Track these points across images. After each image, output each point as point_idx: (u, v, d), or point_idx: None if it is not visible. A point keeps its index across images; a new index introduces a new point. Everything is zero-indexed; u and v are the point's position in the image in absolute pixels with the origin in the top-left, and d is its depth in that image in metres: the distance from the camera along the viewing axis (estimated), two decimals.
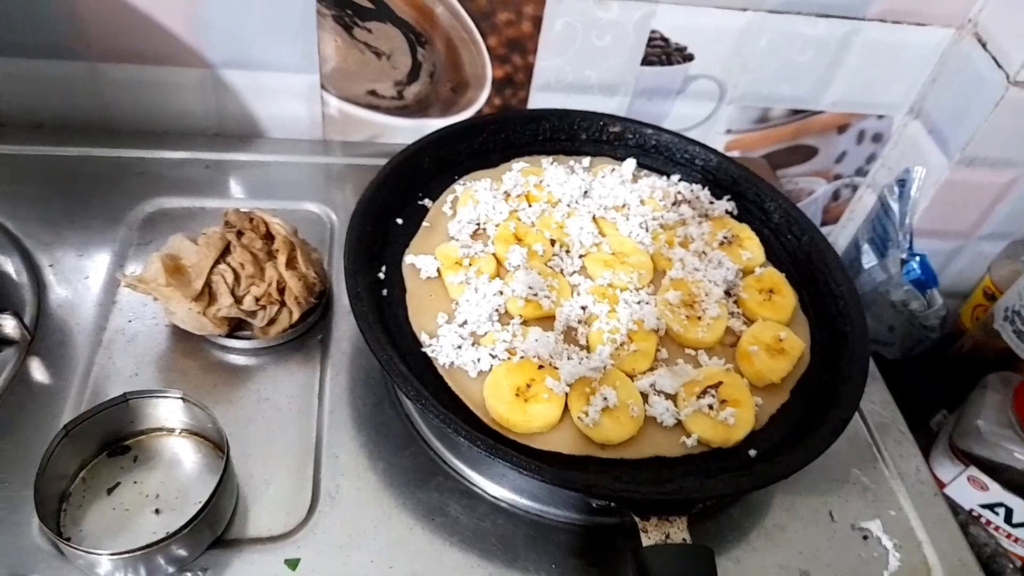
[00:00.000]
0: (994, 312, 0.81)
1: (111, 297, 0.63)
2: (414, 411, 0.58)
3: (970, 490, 0.69)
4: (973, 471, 0.70)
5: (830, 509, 0.58)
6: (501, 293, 0.58)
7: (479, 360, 0.54)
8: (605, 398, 0.52)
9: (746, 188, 0.71)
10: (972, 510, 0.69)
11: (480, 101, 0.80)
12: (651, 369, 0.56)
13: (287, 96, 0.77)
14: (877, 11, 0.76)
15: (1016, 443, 0.68)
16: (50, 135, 0.75)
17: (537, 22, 0.73)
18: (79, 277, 0.64)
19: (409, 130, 0.80)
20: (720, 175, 0.72)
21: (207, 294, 0.58)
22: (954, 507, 0.68)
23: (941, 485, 0.71)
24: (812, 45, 0.78)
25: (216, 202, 0.71)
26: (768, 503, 0.58)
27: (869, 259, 0.78)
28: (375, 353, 0.51)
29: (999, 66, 0.74)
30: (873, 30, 0.78)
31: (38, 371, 0.58)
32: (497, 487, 0.55)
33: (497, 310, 0.58)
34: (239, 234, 0.61)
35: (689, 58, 0.78)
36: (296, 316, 0.60)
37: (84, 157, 0.74)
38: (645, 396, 0.54)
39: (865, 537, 0.57)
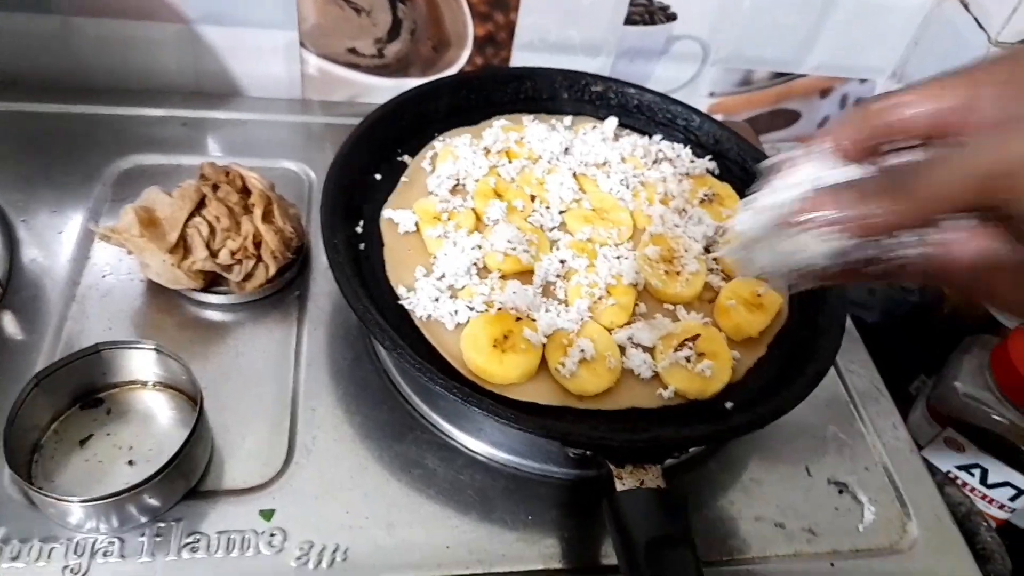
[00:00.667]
0: None
1: (85, 253, 0.62)
2: (392, 365, 0.58)
3: (947, 451, 0.70)
4: (950, 432, 0.70)
5: (807, 464, 0.59)
6: (480, 247, 0.58)
7: (456, 312, 0.54)
8: (582, 349, 0.52)
9: (727, 148, 0.70)
10: (949, 471, 0.70)
11: (461, 60, 0.79)
12: (629, 323, 0.56)
13: (266, 54, 0.76)
14: None
15: (993, 404, 0.69)
16: (24, 92, 0.73)
17: None
18: (53, 233, 0.63)
19: (389, 90, 0.79)
20: (702, 135, 0.72)
21: (182, 247, 0.58)
22: (931, 468, 0.69)
23: (918, 448, 0.72)
24: (796, 6, 0.78)
25: (193, 159, 0.70)
26: (745, 458, 0.58)
27: None
28: (350, 303, 0.51)
29: (981, 27, 0.74)
30: None
31: (10, 325, 0.57)
32: (475, 440, 0.55)
33: (475, 264, 0.57)
34: (215, 187, 0.60)
35: (672, 17, 0.77)
36: (273, 271, 0.60)
37: (59, 114, 0.73)
38: (623, 348, 0.54)
39: (841, 491, 0.58)
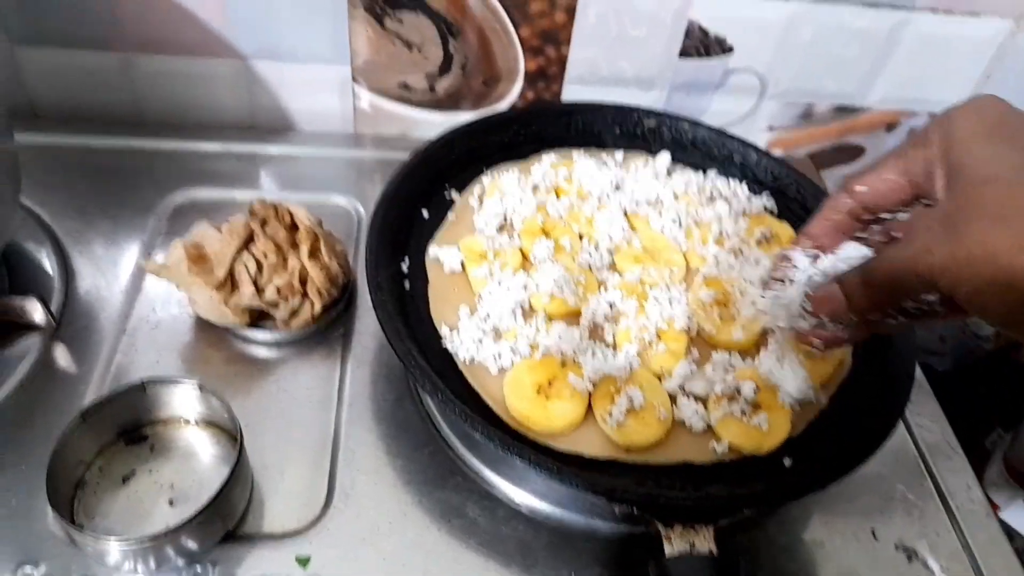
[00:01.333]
0: None
1: (137, 286, 0.63)
2: (434, 408, 0.57)
3: None
4: None
5: (872, 527, 0.55)
6: (525, 287, 0.56)
7: (500, 355, 0.52)
8: (631, 398, 0.50)
9: (787, 185, 0.68)
10: None
11: (513, 94, 0.78)
12: (680, 371, 0.54)
13: (318, 88, 0.76)
14: (928, 1, 0.72)
15: None
16: (84, 126, 0.75)
17: (571, 11, 0.71)
18: (107, 266, 0.64)
19: (441, 124, 0.79)
20: (759, 172, 0.69)
21: (229, 283, 0.58)
22: (1009, 533, 0.64)
23: (995, 508, 0.67)
24: (858, 37, 0.75)
25: (245, 194, 0.71)
26: (806, 518, 0.55)
27: None
28: (392, 343, 0.50)
29: None
30: (923, 21, 0.74)
31: (62, 358, 0.58)
32: (518, 490, 0.53)
33: (521, 305, 0.56)
34: (263, 223, 0.60)
35: (729, 50, 0.75)
36: (318, 308, 0.59)
37: (117, 148, 0.74)
38: (673, 398, 0.52)
39: (910, 557, 0.54)
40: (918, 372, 0.66)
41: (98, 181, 0.71)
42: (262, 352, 0.60)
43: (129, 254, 0.65)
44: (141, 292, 0.62)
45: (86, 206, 0.68)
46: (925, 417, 0.63)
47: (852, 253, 0.43)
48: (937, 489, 0.58)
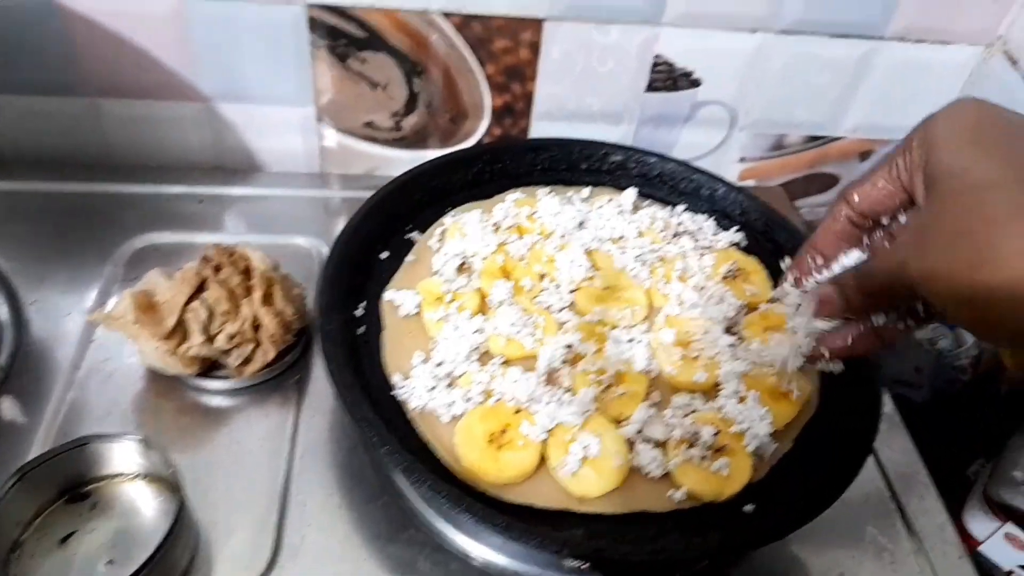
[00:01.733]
0: None
1: (90, 335, 0.62)
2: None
3: (1008, 549, 0.62)
4: (1011, 528, 0.63)
5: (841, 572, 0.53)
6: (482, 331, 0.55)
7: (452, 403, 0.50)
8: (586, 446, 0.48)
9: (755, 218, 0.66)
10: (1012, 572, 0.63)
11: (480, 131, 0.77)
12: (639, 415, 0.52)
13: (283, 129, 0.76)
14: (897, 29, 0.72)
15: None
16: (50, 171, 0.75)
17: (535, 48, 0.71)
18: (61, 315, 0.63)
19: (408, 161, 0.78)
20: (728, 205, 0.68)
21: (180, 332, 0.57)
22: (990, 568, 0.62)
23: (976, 543, 0.64)
24: (828, 67, 0.74)
25: (207, 237, 0.70)
26: (772, 566, 0.53)
27: None
28: (339, 394, 0.48)
29: None
30: (894, 49, 0.73)
31: (8, 410, 0.56)
32: (472, 543, 0.51)
33: (477, 349, 0.54)
34: (217, 269, 0.59)
35: (696, 83, 0.74)
36: (271, 355, 0.58)
37: (81, 193, 0.74)
38: (631, 444, 0.50)
39: None
40: (890, 407, 0.65)
41: (60, 226, 0.70)
42: (215, 401, 0.59)
43: (84, 302, 0.64)
44: (94, 341, 0.61)
45: (45, 253, 0.67)
46: (897, 453, 0.61)
47: (853, 261, 0.44)
48: (909, 530, 0.56)
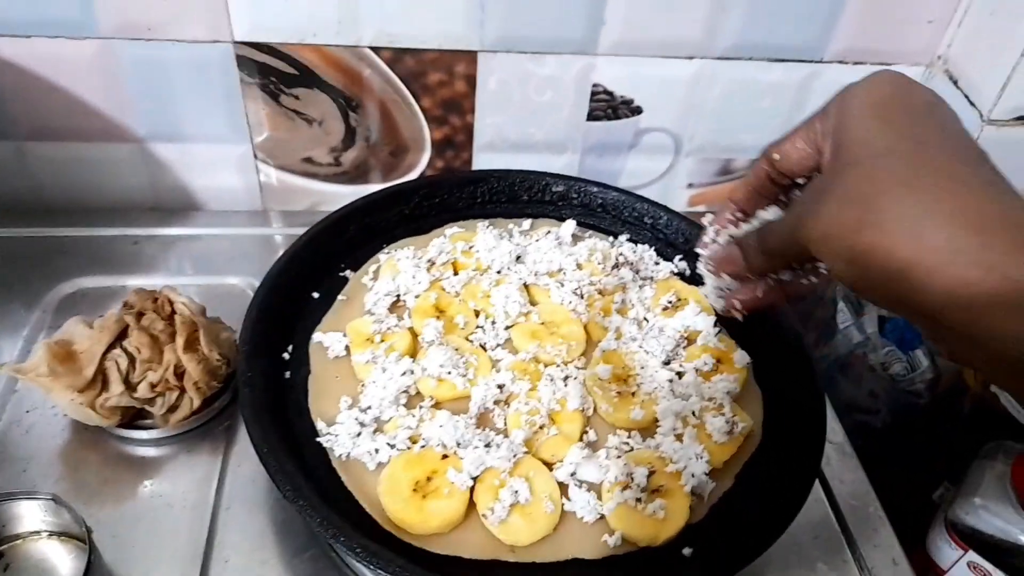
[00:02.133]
0: None
1: (12, 386, 0.59)
2: None
3: None
4: (973, 556, 0.61)
5: None
6: (412, 372, 0.53)
7: (377, 451, 0.49)
8: (515, 492, 0.47)
9: None
10: None
11: (422, 164, 0.76)
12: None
13: (220, 167, 0.74)
14: (836, 52, 0.71)
15: (1018, 523, 0.60)
16: None
17: (471, 81, 0.70)
18: None
19: (350, 196, 0.76)
20: (670, 233, 0.67)
21: (99, 382, 0.54)
22: None
23: (941, 572, 0.63)
24: (769, 91, 0.74)
25: (139, 280, 0.68)
26: None
27: (845, 318, 0.71)
28: (254, 446, 0.46)
29: (972, 104, 0.69)
30: (834, 72, 0.73)
31: None
32: None
33: (407, 391, 0.52)
34: (139, 315, 0.57)
35: (637, 111, 0.73)
36: (197, 403, 0.56)
37: (12, 238, 0.72)
38: (564, 488, 0.48)
39: None
40: (840, 436, 0.63)
41: None
42: (143, 451, 0.57)
43: (8, 352, 0.62)
44: (16, 392, 0.59)
45: None
46: (848, 484, 0.59)
47: (770, 216, 0.45)
48: (860, 566, 0.54)
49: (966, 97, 0.70)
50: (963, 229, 0.30)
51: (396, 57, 0.68)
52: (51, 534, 0.50)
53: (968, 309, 0.30)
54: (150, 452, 0.57)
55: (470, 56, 0.68)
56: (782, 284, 0.45)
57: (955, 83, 0.71)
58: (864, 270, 0.33)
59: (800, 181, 0.43)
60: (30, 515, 0.49)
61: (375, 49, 0.67)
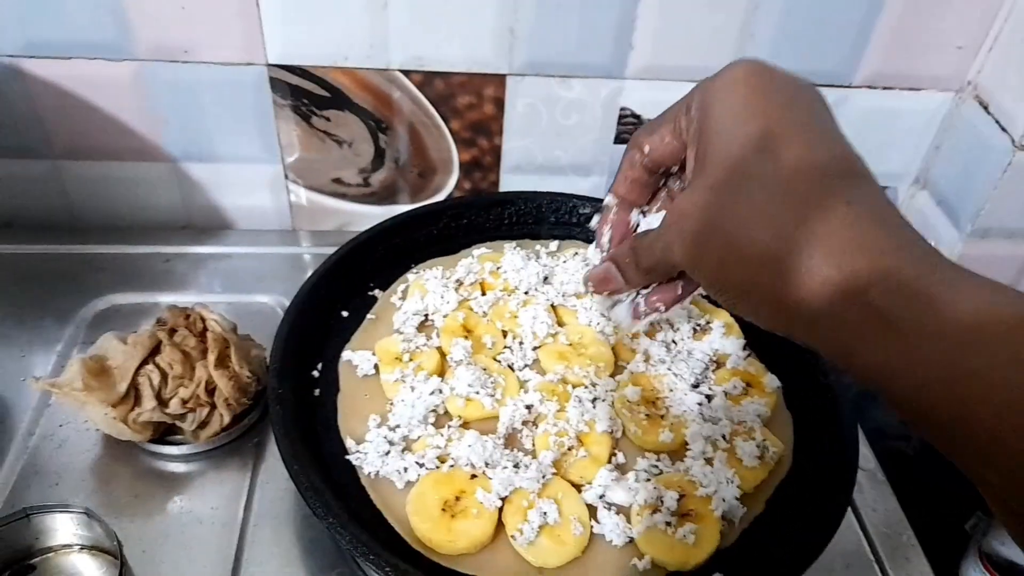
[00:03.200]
0: None
1: (46, 400, 0.60)
2: None
3: None
4: None
5: None
6: (440, 391, 0.53)
7: (406, 469, 0.49)
8: (544, 513, 0.46)
9: None
10: None
11: (449, 185, 0.77)
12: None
13: (251, 187, 0.76)
14: (865, 77, 0.71)
15: None
16: (18, 234, 0.74)
17: (499, 103, 0.71)
18: (17, 380, 0.62)
19: (378, 217, 0.77)
20: None
21: (132, 397, 0.55)
22: None
23: None
24: None
25: (170, 297, 0.69)
26: None
27: None
28: (285, 463, 0.46)
29: (1003, 129, 0.68)
30: (863, 97, 0.73)
31: None
32: None
33: (435, 411, 0.53)
34: (172, 332, 0.58)
35: None
36: (227, 419, 0.56)
37: (47, 255, 0.73)
38: (593, 510, 0.48)
39: None
40: (873, 463, 0.63)
41: (23, 290, 0.69)
42: (172, 466, 0.57)
43: (43, 366, 0.63)
44: (50, 406, 0.60)
45: (4, 316, 0.66)
46: (881, 513, 0.58)
47: (658, 223, 0.44)
48: None
49: (997, 123, 0.69)
50: (823, 256, 0.31)
51: (426, 80, 0.69)
52: (83, 547, 0.50)
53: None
54: (180, 468, 0.57)
55: (498, 79, 0.69)
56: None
57: (985, 108, 0.71)
58: (734, 301, 0.35)
59: (673, 171, 0.44)
60: (63, 528, 0.49)
61: (405, 72, 0.68)
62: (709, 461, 0.50)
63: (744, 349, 0.58)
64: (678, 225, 0.36)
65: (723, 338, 0.58)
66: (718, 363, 0.58)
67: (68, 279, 0.70)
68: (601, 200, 0.69)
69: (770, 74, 0.36)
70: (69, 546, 0.50)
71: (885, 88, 0.73)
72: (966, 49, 0.71)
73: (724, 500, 0.48)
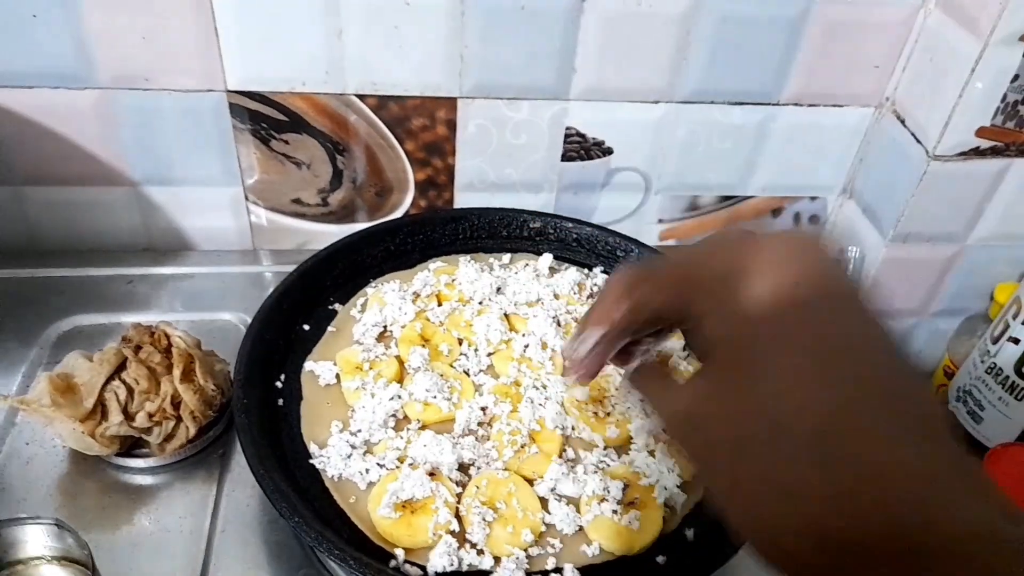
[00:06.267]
0: (948, 392, 0.78)
1: (12, 419, 0.61)
2: None
3: None
4: None
5: None
6: (399, 397, 0.56)
7: (368, 471, 0.51)
8: (500, 506, 0.49)
9: None
10: None
11: (406, 203, 0.80)
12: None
13: (212, 209, 0.78)
14: (790, 95, 0.77)
15: None
16: None
17: (452, 125, 0.74)
18: None
19: (337, 235, 0.79)
20: None
21: (99, 412, 0.57)
22: None
23: None
24: (731, 132, 0.79)
25: (134, 317, 0.70)
26: None
27: None
28: (251, 467, 0.49)
29: (918, 141, 0.74)
30: (789, 114, 0.78)
31: None
32: None
33: (394, 415, 0.55)
34: (137, 349, 0.59)
35: (608, 152, 0.78)
36: (193, 431, 0.58)
37: (8, 279, 0.74)
38: (545, 502, 0.51)
39: None
40: None
41: None
42: (139, 479, 0.59)
43: (6, 388, 0.64)
44: (15, 425, 0.61)
45: None
46: None
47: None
48: None
49: (913, 135, 0.75)
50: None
51: (381, 104, 0.72)
52: (53, 559, 0.52)
53: None
54: (147, 480, 0.59)
55: (450, 102, 0.73)
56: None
57: (903, 122, 0.77)
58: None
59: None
60: (33, 540, 0.51)
61: (361, 96, 0.71)
62: (652, 453, 0.54)
63: (684, 349, 0.62)
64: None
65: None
66: (660, 362, 0.62)
67: (30, 302, 0.72)
68: (551, 215, 0.73)
69: (831, 271, 0.31)
70: (40, 558, 0.51)
71: (810, 105, 0.78)
72: (882, 68, 0.77)
73: (666, 488, 0.52)
